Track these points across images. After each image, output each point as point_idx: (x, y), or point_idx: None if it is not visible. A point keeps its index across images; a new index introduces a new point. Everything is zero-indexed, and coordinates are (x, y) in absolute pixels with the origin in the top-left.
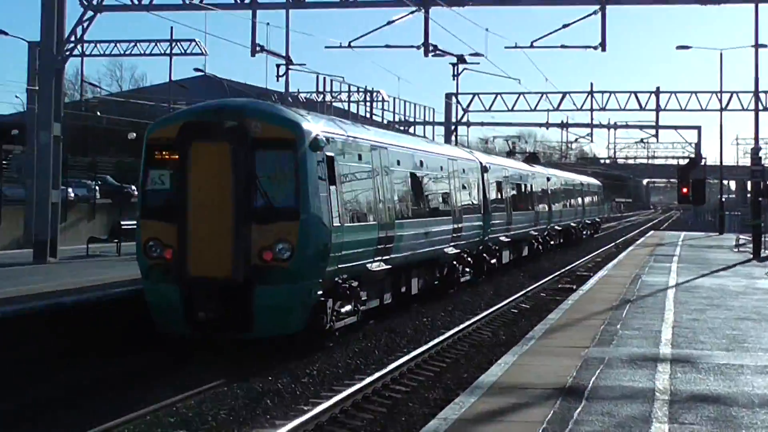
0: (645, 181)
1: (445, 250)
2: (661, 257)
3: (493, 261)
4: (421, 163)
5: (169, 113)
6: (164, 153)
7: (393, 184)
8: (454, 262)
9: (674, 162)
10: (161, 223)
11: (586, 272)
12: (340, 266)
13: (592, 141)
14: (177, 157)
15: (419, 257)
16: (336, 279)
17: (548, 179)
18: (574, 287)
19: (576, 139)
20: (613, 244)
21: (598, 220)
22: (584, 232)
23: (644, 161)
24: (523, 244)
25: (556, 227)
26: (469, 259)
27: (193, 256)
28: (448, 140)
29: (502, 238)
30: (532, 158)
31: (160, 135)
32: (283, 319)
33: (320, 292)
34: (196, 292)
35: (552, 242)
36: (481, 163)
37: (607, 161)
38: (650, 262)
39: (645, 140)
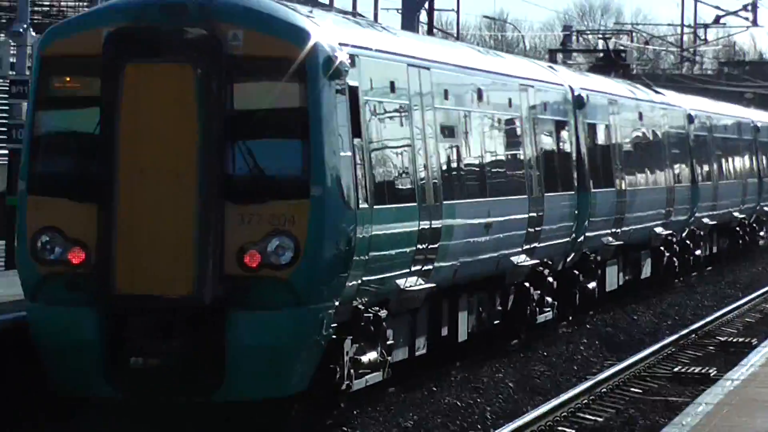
0: None
1: (514, 259)
2: None
3: (592, 285)
4: (480, 94)
5: (77, 12)
6: (71, 80)
7: (439, 136)
8: (527, 284)
9: None
10: (64, 202)
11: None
12: (365, 280)
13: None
14: (97, 88)
15: (473, 270)
16: (356, 303)
17: (690, 119)
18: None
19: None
20: None
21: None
22: (761, 233)
23: None
24: (641, 255)
25: (706, 220)
26: (550, 278)
27: (124, 260)
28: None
29: (607, 242)
30: (620, 68)
31: (66, 49)
32: (276, 369)
33: (334, 325)
34: (130, 323)
35: (698, 251)
36: (572, 90)
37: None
38: None
39: None
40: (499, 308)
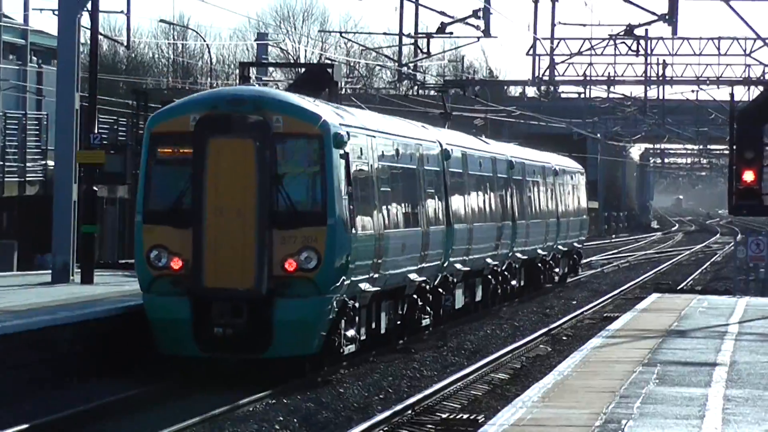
0: (636, 153)
1: (411, 276)
2: (680, 366)
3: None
4: (398, 152)
5: (173, 102)
6: (173, 148)
7: (386, 183)
8: (415, 296)
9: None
10: (168, 228)
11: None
12: (353, 281)
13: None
14: (190, 153)
15: (394, 281)
16: (345, 297)
17: (511, 165)
18: None
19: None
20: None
21: (578, 245)
22: (557, 270)
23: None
24: (476, 282)
25: (520, 254)
26: (428, 294)
27: (209, 265)
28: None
29: (459, 268)
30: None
31: (169, 128)
32: (304, 336)
33: (337, 310)
34: (213, 306)
35: (513, 281)
36: (441, 145)
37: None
38: (650, 377)
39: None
40: (400, 312)
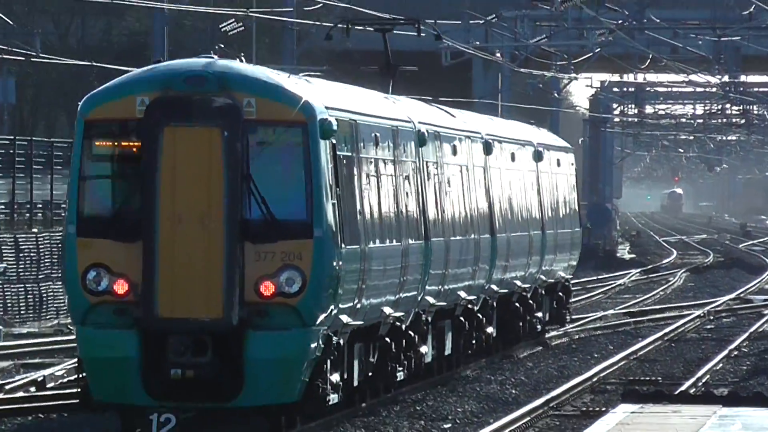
0: (582, 95)
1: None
2: None
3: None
4: (377, 140)
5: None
6: (114, 140)
7: (367, 182)
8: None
9: None
10: (110, 243)
11: None
12: (341, 308)
13: None
14: (137, 146)
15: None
16: (329, 331)
17: (487, 147)
18: None
19: None
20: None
21: (566, 274)
22: (538, 314)
23: None
24: (446, 326)
25: (496, 286)
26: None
27: (164, 289)
28: None
29: (432, 302)
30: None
31: (109, 114)
32: (282, 380)
33: (323, 347)
34: (169, 341)
35: (489, 327)
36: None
37: None
38: None
39: None
40: (371, 360)
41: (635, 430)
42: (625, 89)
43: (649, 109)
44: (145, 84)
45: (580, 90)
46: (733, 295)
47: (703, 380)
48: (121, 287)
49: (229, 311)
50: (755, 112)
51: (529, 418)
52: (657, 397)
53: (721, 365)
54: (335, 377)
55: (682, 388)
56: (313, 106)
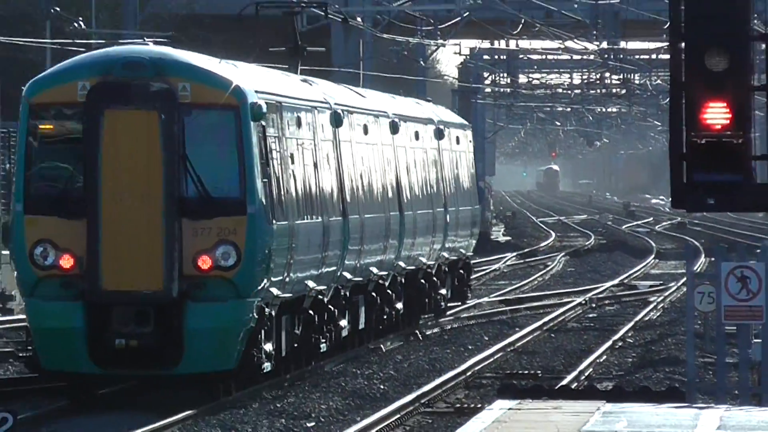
0: (450, 62)
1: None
2: None
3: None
4: (299, 121)
5: (54, 66)
6: (58, 122)
7: (291, 161)
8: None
9: None
10: (56, 219)
11: None
12: (272, 281)
13: None
14: (79, 128)
15: None
16: (262, 303)
17: (394, 126)
18: None
19: None
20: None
21: (467, 251)
22: (442, 291)
23: None
24: (359, 301)
25: (404, 263)
26: None
27: (107, 263)
28: None
29: (348, 278)
30: None
31: (52, 97)
32: (220, 349)
33: (257, 318)
34: (113, 312)
35: (398, 303)
36: (330, 106)
37: None
38: None
39: None
40: (296, 332)
41: (512, 428)
42: (496, 57)
43: (522, 79)
44: (86, 69)
45: (449, 58)
46: (616, 281)
47: (586, 374)
48: (66, 261)
49: (169, 284)
50: (636, 82)
51: (398, 416)
52: (536, 392)
53: (604, 357)
54: (268, 347)
55: (563, 382)
56: (244, 90)
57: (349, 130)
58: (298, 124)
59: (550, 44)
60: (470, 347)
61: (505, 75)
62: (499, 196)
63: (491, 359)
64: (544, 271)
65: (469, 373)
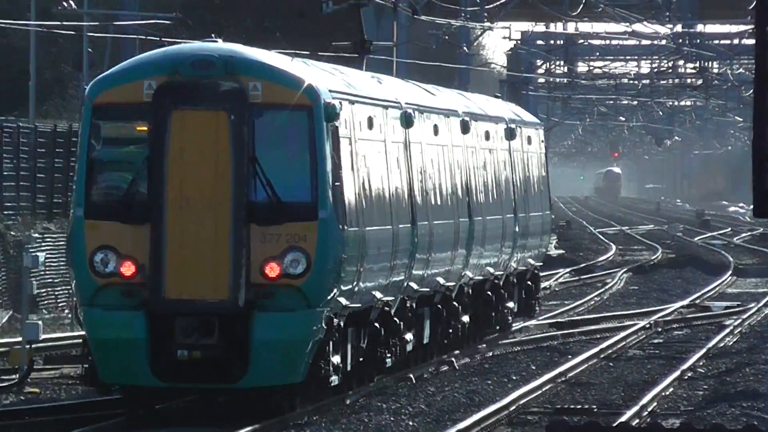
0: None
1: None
2: None
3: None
4: (370, 122)
5: (119, 64)
6: (122, 123)
7: (363, 164)
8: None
9: None
10: (118, 225)
11: None
12: (342, 290)
13: None
14: (145, 129)
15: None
16: (331, 313)
17: (464, 126)
18: None
19: None
20: None
21: (536, 261)
22: (510, 304)
23: None
24: (424, 313)
25: (471, 273)
26: None
27: (171, 271)
28: None
29: (416, 288)
30: None
31: (117, 97)
32: (287, 361)
33: (325, 328)
34: (176, 322)
35: (464, 316)
36: (401, 106)
37: None
38: None
39: None
40: (362, 345)
41: None
42: (551, 42)
43: (582, 67)
44: (152, 68)
45: (496, 43)
46: (686, 302)
47: (649, 409)
48: (128, 269)
49: (235, 293)
50: (715, 71)
51: None
52: (590, 430)
53: (671, 390)
54: (336, 359)
55: (623, 418)
56: (318, 90)
57: (420, 131)
58: (370, 125)
59: (615, 27)
60: (514, 377)
61: (562, 63)
62: (551, 203)
63: (539, 392)
64: (603, 289)
65: (512, 408)
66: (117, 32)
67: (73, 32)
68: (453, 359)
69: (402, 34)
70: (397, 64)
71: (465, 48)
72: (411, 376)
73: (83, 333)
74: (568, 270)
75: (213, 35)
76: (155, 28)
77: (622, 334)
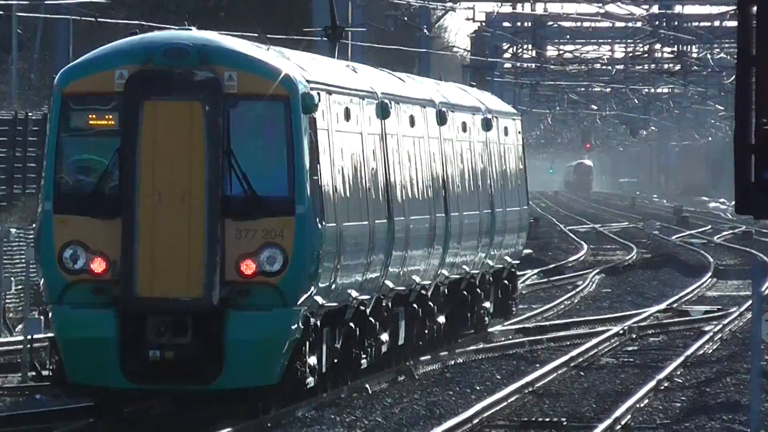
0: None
1: None
2: None
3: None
4: (347, 113)
5: (88, 53)
6: (92, 114)
7: (339, 156)
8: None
9: None
10: (88, 219)
11: None
12: (319, 288)
13: None
14: (116, 121)
15: None
16: (308, 312)
17: (441, 116)
18: None
19: None
20: None
21: (513, 259)
22: (486, 304)
23: None
24: (399, 313)
25: (447, 271)
26: None
27: (143, 267)
28: None
29: (391, 287)
30: None
31: (87, 87)
32: (263, 362)
33: (302, 328)
34: (148, 321)
35: (440, 316)
36: (377, 95)
37: None
38: None
39: None
40: (336, 345)
41: None
42: (519, 24)
43: (551, 52)
44: (124, 57)
45: (459, 25)
46: (663, 306)
47: (623, 422)
48: (98, 265)
49: (209, 290)
50: (694, 56)
51: None
52: None
53: (646, 401)
54: (312, 360)
55: None
56: (295, 80)
57: (396, 122)
58: (347, 116)
59: (587, 8)
60: (478, 388)
61: (530, 47)
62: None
63: (504, 403)
64: (573, 292)
65: (476, 421)
66: (48, 12)
67: (1, 12)
68: (411, 367)
69: (357, 15)
70: (353, 48)
71: (425, 30)
72: (367, 386)
73: (51, 333)
74: (536, 271)
75: (186, 23)
76: (90, 8)
77: (594, 340)
